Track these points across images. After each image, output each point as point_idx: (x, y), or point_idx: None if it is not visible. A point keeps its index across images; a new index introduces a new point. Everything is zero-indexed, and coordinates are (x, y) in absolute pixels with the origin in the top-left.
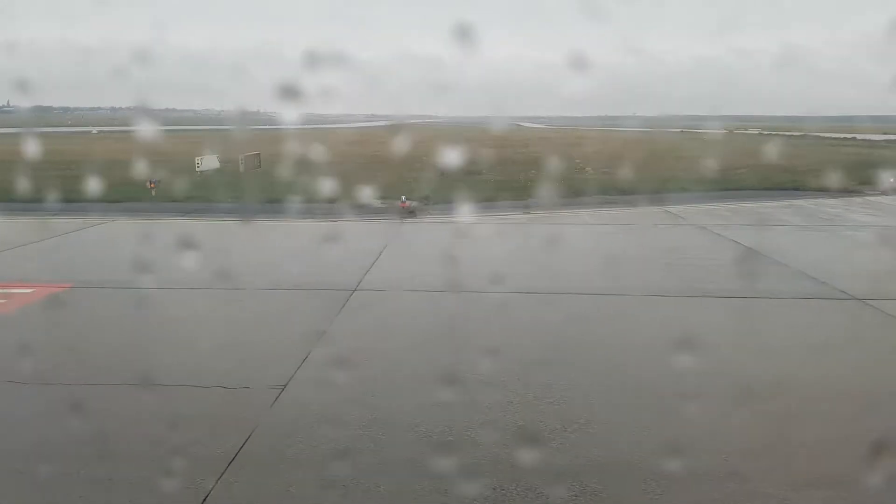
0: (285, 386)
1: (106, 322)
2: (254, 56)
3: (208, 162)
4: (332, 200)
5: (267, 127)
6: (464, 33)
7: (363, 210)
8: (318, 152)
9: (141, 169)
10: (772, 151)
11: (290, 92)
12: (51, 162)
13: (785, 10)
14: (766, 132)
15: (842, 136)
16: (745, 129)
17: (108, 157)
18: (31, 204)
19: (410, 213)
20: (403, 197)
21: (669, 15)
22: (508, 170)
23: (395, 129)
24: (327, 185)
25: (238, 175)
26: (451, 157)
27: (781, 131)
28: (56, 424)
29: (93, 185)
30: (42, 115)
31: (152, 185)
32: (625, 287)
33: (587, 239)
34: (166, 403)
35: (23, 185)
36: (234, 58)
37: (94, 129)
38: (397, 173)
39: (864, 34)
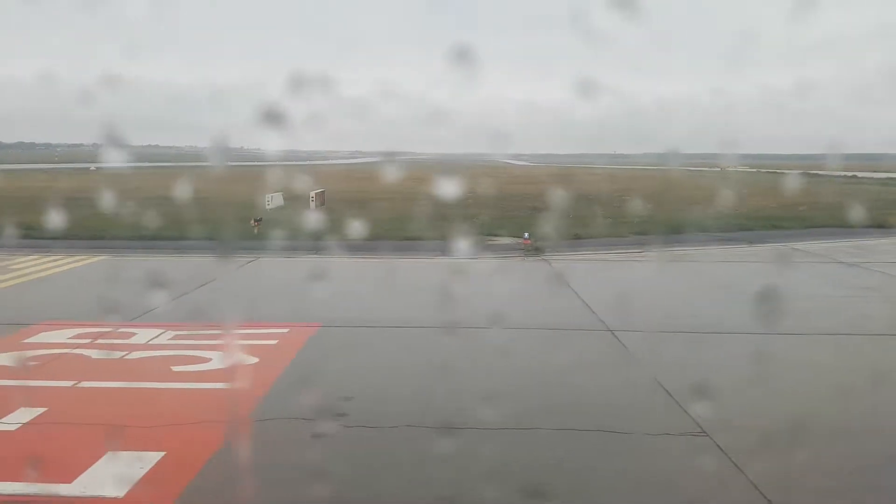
0: (706, 432)
1: (414, 361)
2: (234, 91)
3: (276, 200)
4: (440, 238)
5: (259, 163)
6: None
7: (482, 247)
8: (366, 189)
9: (214, 206)
10: (817, 190)
11: (279, 122)
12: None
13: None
14: (769, 171)
15: (850, 173)
16: (746, 168)
17: (151, 195)
18: (145, 241)
19: (536, 250)
20: (526, 234)
21: (659, 55)
22: (579, 206)
23: (395, 165)
24: (417, 222)
25: (314, 212)
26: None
27: (779, 170)
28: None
29: (195, 224)
30: (26, 152)
31: (256, 224)
32: (880, 327)
33: (756, 277)
34: (609, 451)
35: (124, 223)
36: (213, 92)
37: (92, 166)
38: (469, 209)
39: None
